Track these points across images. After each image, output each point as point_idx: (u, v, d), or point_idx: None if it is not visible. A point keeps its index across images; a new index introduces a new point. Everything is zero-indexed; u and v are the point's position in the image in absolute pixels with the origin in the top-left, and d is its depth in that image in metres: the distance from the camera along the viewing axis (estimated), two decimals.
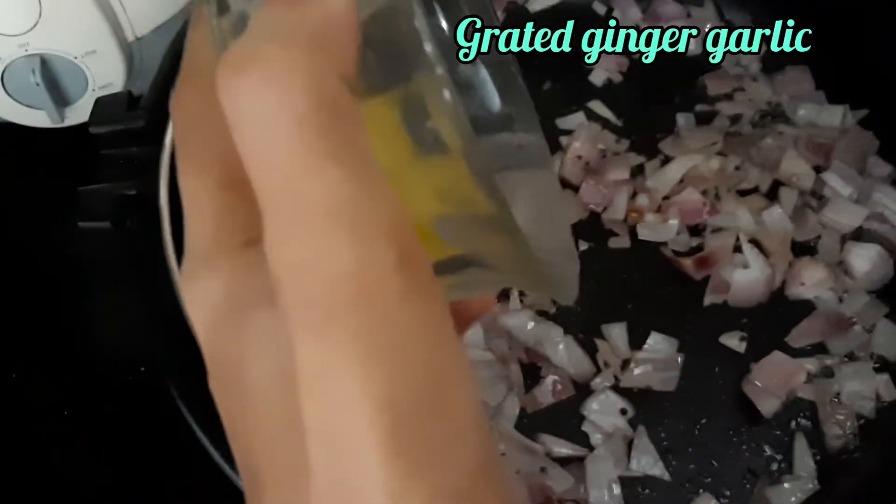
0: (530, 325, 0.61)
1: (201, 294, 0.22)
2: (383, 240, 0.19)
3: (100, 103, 0.54)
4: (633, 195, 0.67)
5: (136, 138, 0.52)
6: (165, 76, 0.54)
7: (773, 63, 0.73)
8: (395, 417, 0.18)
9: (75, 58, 0.61)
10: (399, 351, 0.19)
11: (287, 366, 0.19)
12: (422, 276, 0.19)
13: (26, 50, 0.60)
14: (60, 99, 0.63)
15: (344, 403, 0.18)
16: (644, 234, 0.65)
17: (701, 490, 0.58)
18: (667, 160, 0.68)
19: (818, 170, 0.68)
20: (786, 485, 0.57)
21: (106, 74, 0.63)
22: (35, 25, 0.59)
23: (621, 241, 0.65)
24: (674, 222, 0.65)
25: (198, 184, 0.23)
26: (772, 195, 0.67)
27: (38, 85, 0.61)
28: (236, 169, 0.21)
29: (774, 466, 0.59)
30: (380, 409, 0.18)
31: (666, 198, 0.67)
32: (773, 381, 0.60)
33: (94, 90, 0.64)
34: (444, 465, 0.19)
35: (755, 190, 0.68)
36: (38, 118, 0.65)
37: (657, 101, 0.72)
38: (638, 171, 0.68)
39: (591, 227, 0.66)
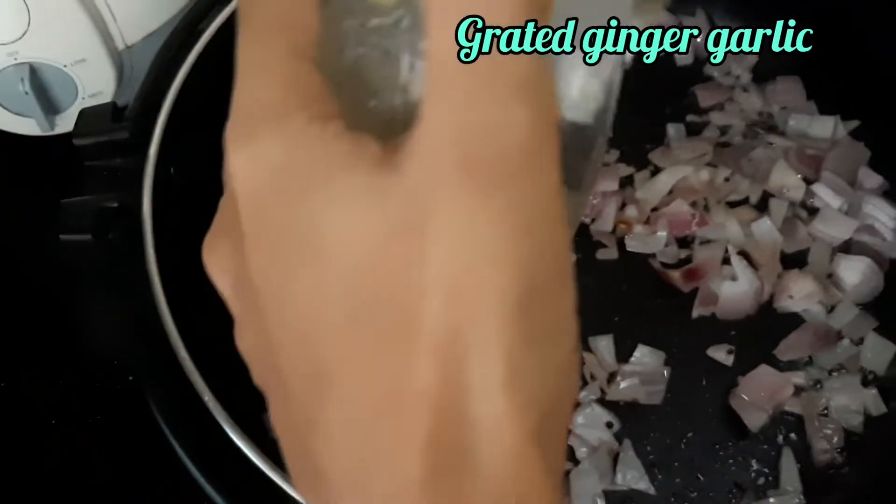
0: None
1: (263, 153, 0.21)
2: (554, 125, 0.20)
3: (84, 114, 0.54)
4: (622, 206, 0.67)
5: (120, 150, 0.52)
6: (150, 88, 0.54)
7: (764, 73, 0.73)
8: (530, 288, 0.19)
9: (65, 66, 0.62)
10: (546, 231, 0.20)
11: (403, 224, 0.19)
12: (560, 175, 0.21)
13: (15, 59, 0.60)
14: (50, 107, 0.63)
15: (488, 262, 0.19)
16: (632, 245, 0.65)
17: None
18: (656, 171, 0.68)
19: (808, 181, 0.67)
20: (772, 499, 0.57)
21: (96, 83, 0.63)
22: (24, 34, 0.59)
23: (609, 253, 0.65)
24: (662, 234, 0.65)
25: (267, 50, 0.22)
26: (761, 207, 0.67)
27: (27, 93, 0.61)
28: (309, 44, 0.21)
29: (761, 481, 0.58)
30: (520, 277, 0.19)
31: (655, 209, 0.66)
32: (760, 394, 0.59)
33: (84, 98, 0.64)
34: (554, 340, 0.21)
35: (745, 201, 0.67)
36: (28, 126, 0.65)
37: (648, 111, 0.71)
38: (627, 182, 0.68)
39: (578, 239, 0.66)
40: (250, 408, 0.58)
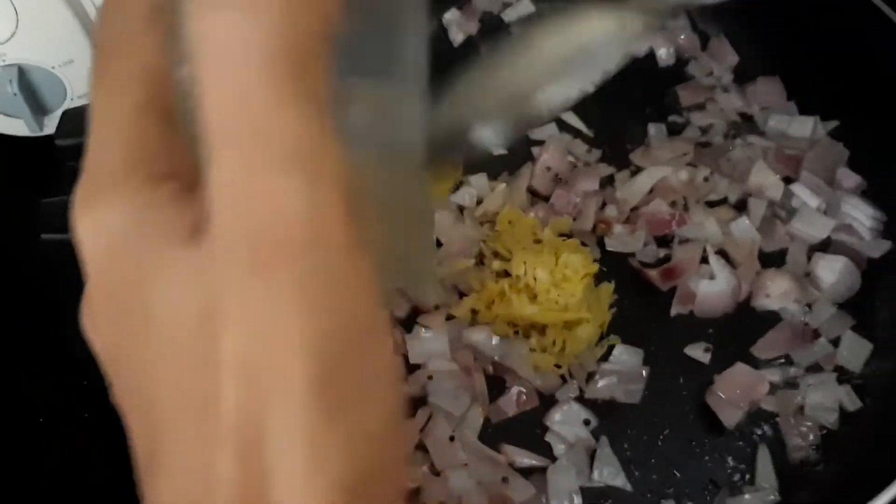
0: (495, 340, 0.61)
1: (101, 221, 0.21)
2: (336, 190, 0.19)
3: (66, 116, 0.54)
4: (603, 206, 0.67)
5: None
6: None
7: (745, 74, 0.74)
8: (326, 363, 0.19)
9: (53, 67, 0.62)
10: (338, 300, 0.19)
11: (205, 303, 0.19)
12: (361, 232, 0.20)
13: (3, 60, 0.61)
14: (39, 108, 0.64)
15: (277, 343, 0.18)
16: (612, 245, 0.66)
17: (662, 501, 0.58)
18: (637, 171, 0.69)
19: (788, 181, 0.68)
20: (747, 496, 0.58)
21: (84, 84, 0.64)
22: (12, 36, 0.60)
23: (590, 253, 0.65)
24: (641, 233, 0.66)
25: (114, 103, 0.22)
26: (741, 206, 0.68)
27: (15, 95, 0.62)
28: (158, 96, 0.21)
29: (737, 477, 0.59)
30: (313, 354, 0.18)
31: (634, 209, 0.67)
32: (736, 392, 0.60)
33: (72, 99, 0.64)
34: (362, 411, 0.20)
35: (724, 201, 0.68)
36: (17, 127, 0.65)
37: (629, 111, 0.72)
38: (608, 182, 0.69)
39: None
40: None
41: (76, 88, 0.64)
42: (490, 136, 0.31)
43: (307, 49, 0.19)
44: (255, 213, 0.18)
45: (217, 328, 0.19)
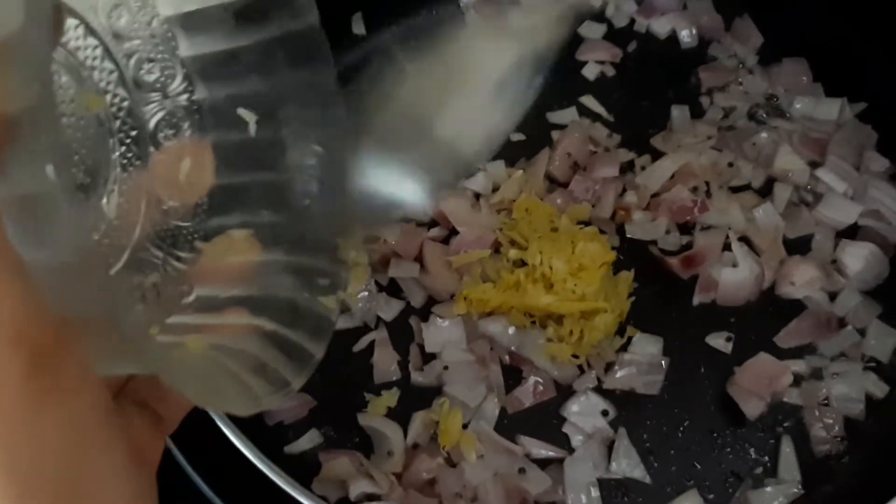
0: (511, 330, 0.60)
1: None
2: (7, 346, 0.18)
3: None
4: (622, 192, 0.66)
5: None
6: None
7: (770, 55, 0.72)
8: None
9: None
10: (35, 461, 0.19)
11: None
12: (64, 375, 0.19)
13: None
14: None
15: None
16: (632, 232, 0.64)
17: (682, 493, 0.57)
18: (658, 156, 0.67)
19: (814, 165, 0.66)
20: (769, 489, 0.57)
21: None
22: None
23: (609, 240, 0.64)
24: (663, 220, 0.64)
25: None
26: (765, 192, 0.66)
27: None
28: None
29: (759, 470, 0.58)
30: None
31: (655, 195, 0.65)
32: (759, 382, 0.59)
33: None
34: None
35: (748, 186, 0.66)
36: None
37: (650, 94, 0.71)
38: (628, 168, 0.67)
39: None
40: (255, 419, 0.58)
41: None
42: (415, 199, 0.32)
43: None
44: None
45: None
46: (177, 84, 0.26)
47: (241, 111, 0.27)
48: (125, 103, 0.26)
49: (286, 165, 0.28)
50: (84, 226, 0.24)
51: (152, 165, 0.26)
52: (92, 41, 0.25)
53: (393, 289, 0.63)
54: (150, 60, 0.26)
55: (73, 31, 0.25)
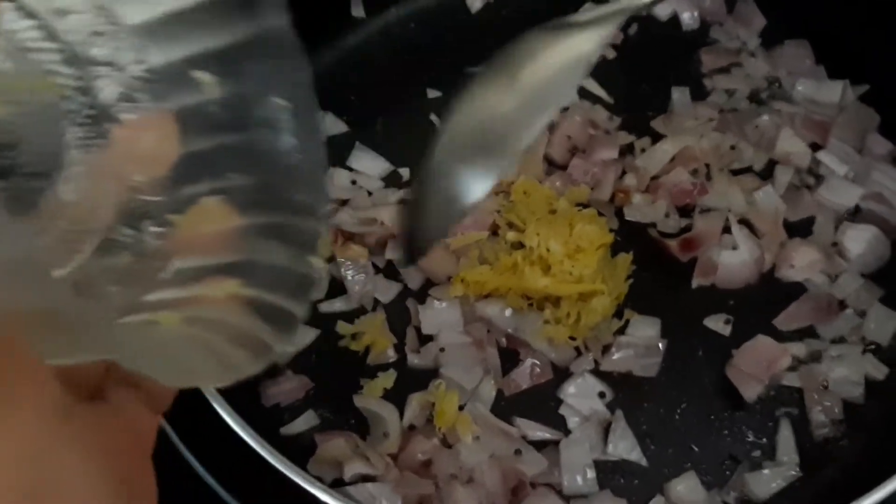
0: (508, 312, 0.60)
1: None
2: None
3: None
4: (622, 175, 0.65)
5: None
6: None
7: (772, 37, 0.71)
8: None
9: None
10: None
11: None
12: (5, 383, 0.20)
13: None
14: None
15: None
16: (631, 214, 0.64)
17: (678, 475, 0.57)
18: (658, 138, 0.67)
19: (816, 148, 0.66)
20: (766, 471, 0.56)
21: None
22: None
23: (608, 223, 0.64)
24: (662, 203, 0.64)
25: None
26: (766, 174, 0.65)
27: None
28: None
29: (757, 453, 0.57)
30: None
31: (655, 178, 0.65)
32: (757, 365, 0.58)
33: None
34: None
35: (748, 169, 0.66)
36: None
37: (651, 77, 0.70)
38: (627, 150, 0.67)
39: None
40: (251, 401, 0.59)
41: None
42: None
43: None
44: None
45: None
46: (128, 54, 0.26)
47: (198, 73, 0.27)
48: (75, 82, 0.25)
49: (251, 124, 0.27)
50: (28, 219, 0.24)
51: (113, 143, 0.25)
52: (30, 21, 0.25)
53: (390, 271, 0.63)
54: (98, 34, 0.26)
55: (8, 12, 0.24)
